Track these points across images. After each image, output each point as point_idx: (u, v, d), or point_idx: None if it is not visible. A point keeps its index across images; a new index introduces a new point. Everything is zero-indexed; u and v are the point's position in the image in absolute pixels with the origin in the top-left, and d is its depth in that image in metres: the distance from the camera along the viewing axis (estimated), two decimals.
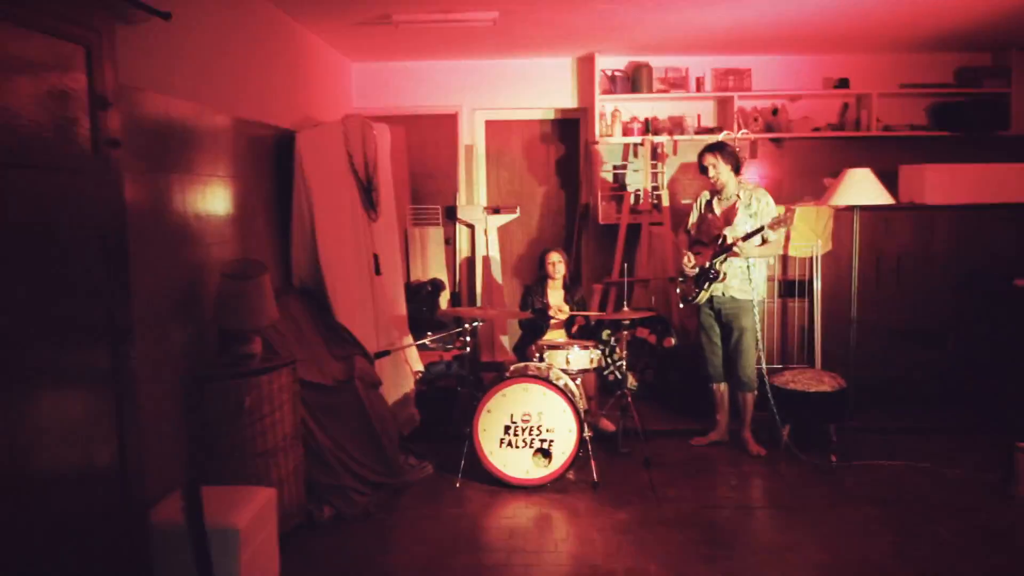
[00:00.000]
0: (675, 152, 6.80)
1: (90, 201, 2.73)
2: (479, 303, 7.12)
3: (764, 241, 4.97)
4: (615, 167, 7.06)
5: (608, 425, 5.52)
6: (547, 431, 4.64)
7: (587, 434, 4.71)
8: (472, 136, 7.34)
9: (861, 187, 5.22)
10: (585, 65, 7.08)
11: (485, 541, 4.06)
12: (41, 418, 2.43)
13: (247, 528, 3.24)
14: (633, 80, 6.94)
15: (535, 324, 5.83)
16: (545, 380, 4.65)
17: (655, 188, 6.75)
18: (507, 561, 3.80)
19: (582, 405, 4.90)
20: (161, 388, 3.45)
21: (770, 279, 6.00)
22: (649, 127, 6.93)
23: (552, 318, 5.78)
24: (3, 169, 2.30)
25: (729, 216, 5.08)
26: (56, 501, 2.50)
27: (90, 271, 2.72)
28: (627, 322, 5.53)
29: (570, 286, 5.92)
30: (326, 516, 4.20)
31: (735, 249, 4.91)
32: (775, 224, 4.79)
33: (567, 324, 5.89)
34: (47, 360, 2.48)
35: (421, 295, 6.55)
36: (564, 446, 4.64)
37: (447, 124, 7.30)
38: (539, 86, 7.17)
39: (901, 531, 4.07)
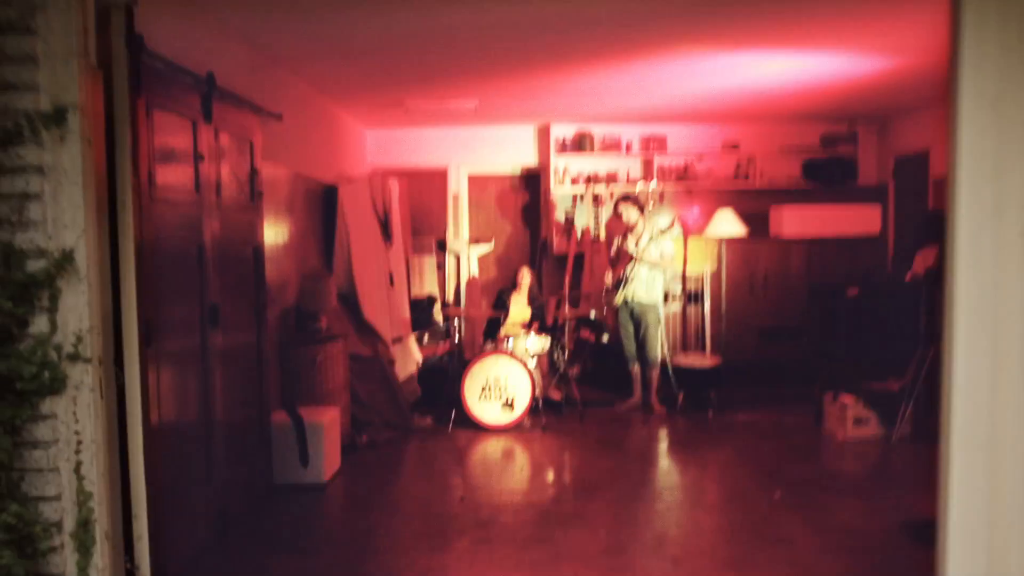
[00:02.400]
0: (611, 199, 9.03)
1: (250, 227, 4.93)
2: (465, 312, 9.29)
3: (661, 255, 7.18)
4: (566, 210, 9.30)
5: (555, 395, 7.66)
6: (511, 390, 6.80)
7: (539, 393, 6.88)
8: (458, 186, 9.58)
9: (725, 224, 7.52)
10: (543, 133, 9.37)
11: (469, 458, 6.20)
12: (230, 362, 4.61)
13: (327, 424, 5.38)
14: (579, 144, 9.23)
15: (497, 320, 8.05)
16: (510, 354, 6.83)
17: (595, 226, 9.00)
18: (485, 468, 5.95)
19: (537, 376, 7.06)
20: (270, 346, 5.59)
21: (673, 291, 8.25)
22: (591, 180, 9.20)
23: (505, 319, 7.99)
24: (225, 210, 4.51)
25: (637, 243, 7.30)
26: (232, 416, 4.67)
27: (248, 269, 4.91)
28: (574, 324, 7.74)
29: (534, 297, 8.12)
30: (363, 441, 6.33)
31: (636, 256, 7.11)
32: (660, 232, 7.02)
33: (528, 324, 8.06)
34: (235, 319, 4.66)
35: (420, 306, 8.72)
36: (523, 400, 6.79)
37: (439, 177, 9.55)
38: (508, 149, 9.46)
39: (743, 448, 6.26)
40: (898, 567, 4.00)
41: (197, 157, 4.20)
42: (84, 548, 2.48)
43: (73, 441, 2.46)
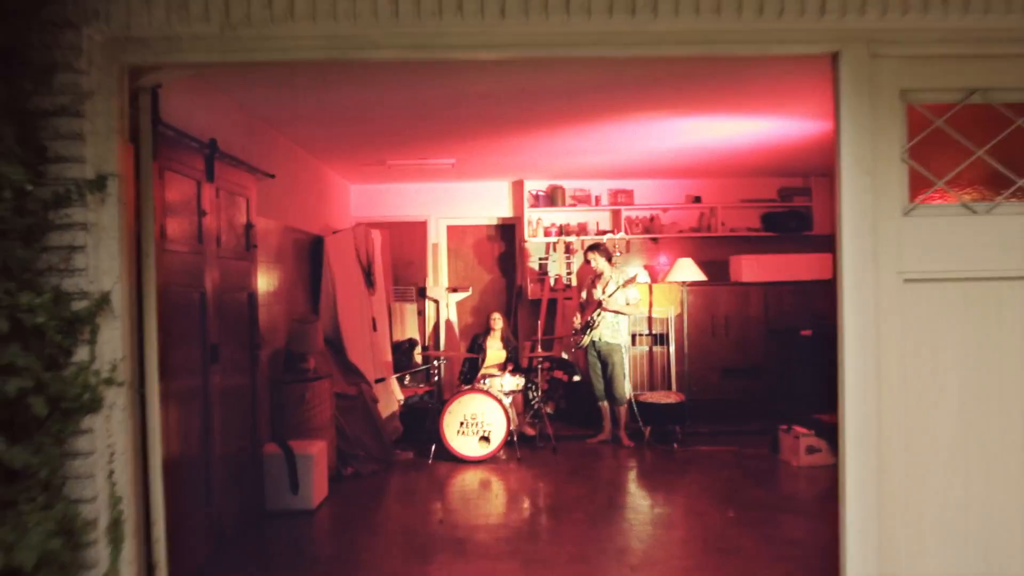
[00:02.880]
0: (582, 248, 9.60)
1: (245, 275, 5.43)
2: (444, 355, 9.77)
3: (627, 302, 7.73)
4: (539, 259, 9.85)
5: (529, 431, 8.13)
6: (487, 425, 7.27)
7: (514, 428, 7.36)
8: (437, 236, 10.13)
9: (686, 270, 8.09)
10: (517, 187, 9.96)
11: (448, 486, 6.64)
12: (227, 398, 5.09)
13: (315, 455, 5.83)
14: (552, 197, 9.82)
15: (474, 362, 8.51)
16: (486, 392, 7.31)
17: (568, 273, 9.55)
18: (463, 495, 6.40)
19: (512, 413, 7.53)
20: (262, 384, 6.05)
21: (640, 333, 8.79)
22: (563, 231, 9.78)
23: (483, 362, 8.47)
24: (223, 260, 5.01)
25: (604, 289, 7.85)
26: (228, 447, 5.13)
27: (243, 313, 5.40)
28: (547, 365, 8.24)
29: (507, 340, 8.63)
30: (349, 472, 6.76)
31: (604, 304, 7.66)
32: (626, 283, 7.58)
33: (503, 365, 8.55)
34: (231, 359, 5.14)
35: (401, 349, 9.19)
36: (498, 435, 7.26)
37: (419, 228, 10.10)
38: (485, 201, 10.04)
39: (703, 476, 6.73)
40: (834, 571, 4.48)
41: (200, 212, 4.71)
42: (116, 543, 2.93)
43: (107, 452, 2.92)
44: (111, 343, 2.93)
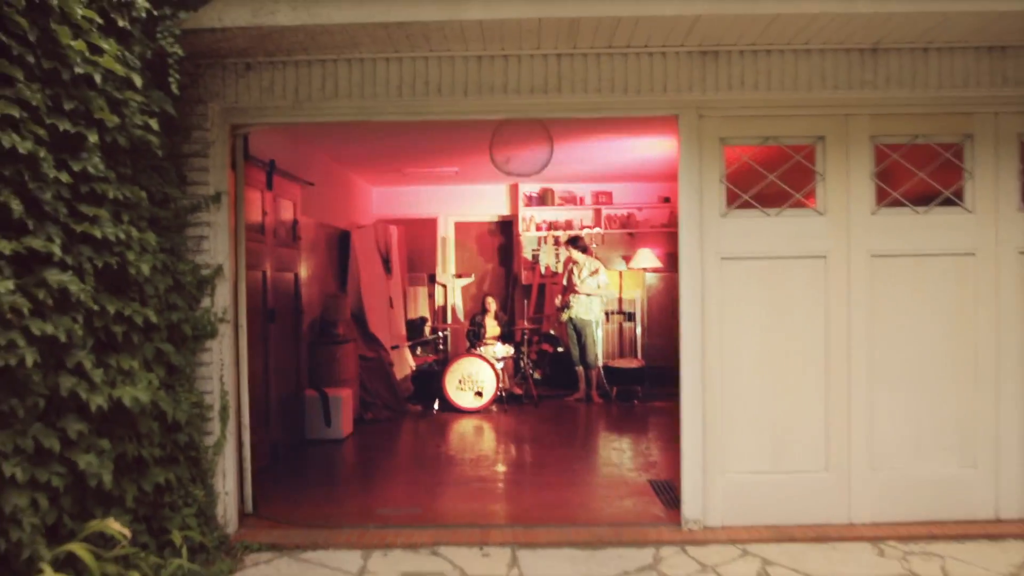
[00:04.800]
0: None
1: (292, 260, 7.25)
2: (448, 327, 11.56)
3: (598, 286, 9.48)
4: (532, 251, 11.62)
5: (517, 390, 9.90)
6: (481, 382, 9.05)
7: (503, 386, 9.14)
8: (446, 231, 11.94)
9: (645, 259, 9.84)
10: (513, 190, 11.73)
11: (449, 431, 8.44)
12: (279, 349, 6.92)
13: (344, 398, 7.64)
14: (542, 198, 11.57)
15: (478, 333, 10.31)
16: (481, 356, 9.09)
17: (555, 262, 11.31)
18: (460, 434, 8.20)
19: (502, 375, 9.31)
20: (303, 344, 7.87)
21: (612, 311, 10.55)
22: (552, 227, 11.54)
23: (484, 334, 10.25)
24: (278, 248, 6.83)
25: (579, 276, 9.60)
26: (280, 389, 6.97)
27: (291, 288, 7.22)
28: (536, 339, 10.02)
29: (499, 317, 10.41)
30: (368, 417, 8.57)
31: (577, 288, 9.42)
32: (592, 272, 9.33)
33: (498, 337, 10.32)
34: (282, 322, 6.97)
35: (414, 325, 11.00)
36: (489, 391, 9.04)
37: (430, 224, 11.91)
38: (486, 202, 11.82)
39: (653, 422, 8.48)
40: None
41: (263, 213, 6.52)
42: (224, 420, 4.73)
43: (219, 363, 4.71)
44: (222, 296, 4.74)
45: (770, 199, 4.86)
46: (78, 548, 3.28)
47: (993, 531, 4.77)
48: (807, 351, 4.87)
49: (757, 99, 4.73)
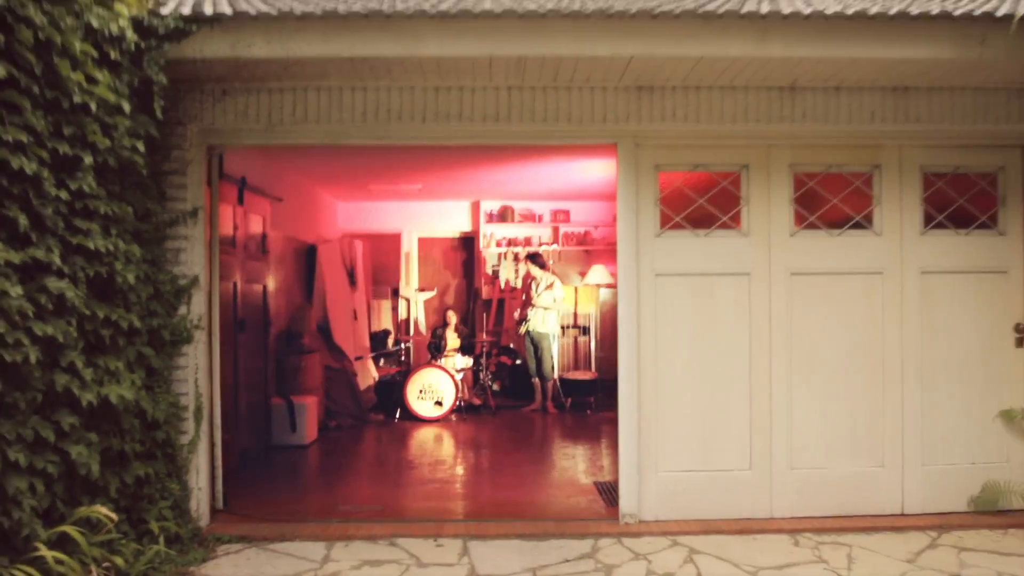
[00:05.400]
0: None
1: (261, 272, 7.63)
2: (411, 339, 11.97)
3: (554, 300, 9.95)
4: (493, 266, 12.08)
5: (476, 400, 10.32)
6: (440, 392, 9.47)
7: (462, 396, 9.56)
8: (409, 246, 12.37)
9: (599, 275, 10.35)
10: (475, 207, 12.20)
11: (410, 438, 8.84)
12: (248, 358, 7.31)
13: (308, 405, 8.01)
14: (503, 216, 12.05)
15: (439, 346, 10.74)
16: (441, 367, 9.51)
17: (515, 278, 11.78)
18: (419, 440, 8.61)
19: (461, 385, 9.73)
20: (270, 353, 8.23)
21: (568, 325, 11.04)
22: (512, 243, 12.01)
23: (445, 346, 10.68)
24: (248, 261, 7.22)
25: (536, 289, 10.06)
26: (248, 396, 7.35)
27: (259, 299, 7.60)
28: (495, 352, 10.46)
29: (460, 330, 10.84)
30: (332, 425, 8.95)
31: (534, 303, 9.89)
32: (547, 287, 9.81)
33: (458, 349, 10.74)
34: (251, 332, 7.35)
35: (378, 337, 11.39)
36: (449, 400, 9.45)
37: (394, 239, 12.34)
38: (449, 218, 12.28)
39: (603, 430, 8.95)
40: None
41: (235, 227, 6.91)
42: (198, 420, 5.10)
43: (194, 367, 5.09)
44: (198, 305, 5.13)
45: (700, 221, 5.36)
46: (71, 530, 3.65)
47: (899, 524, 5.29)
48: (732, 360, 5.37)
49: (688, 130, 5.24)
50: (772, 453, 5.37)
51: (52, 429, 3.57)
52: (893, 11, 4.39)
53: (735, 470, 5.38)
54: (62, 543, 3.69)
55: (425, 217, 12.31)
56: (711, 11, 4.37)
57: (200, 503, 5.16)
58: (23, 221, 3.35)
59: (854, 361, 5.39)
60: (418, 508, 5.87)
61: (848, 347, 5.39)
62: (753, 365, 5.36)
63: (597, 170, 9.11)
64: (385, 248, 12.35)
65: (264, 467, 7.16)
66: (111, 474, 4.19)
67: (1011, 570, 4.53)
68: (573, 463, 7.31)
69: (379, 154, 8.16)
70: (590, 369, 11.04)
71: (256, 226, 7.55)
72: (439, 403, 9.48)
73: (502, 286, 11.89)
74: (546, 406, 10.11)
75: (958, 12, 4.41)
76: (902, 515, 5.41)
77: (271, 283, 8.15)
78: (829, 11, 4.40)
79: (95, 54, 3.92)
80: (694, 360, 5.38)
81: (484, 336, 10.96)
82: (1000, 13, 4.39)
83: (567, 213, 12.14)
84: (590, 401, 10.05)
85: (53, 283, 3.51)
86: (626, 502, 5.34)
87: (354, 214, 12.21)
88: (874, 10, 4.40)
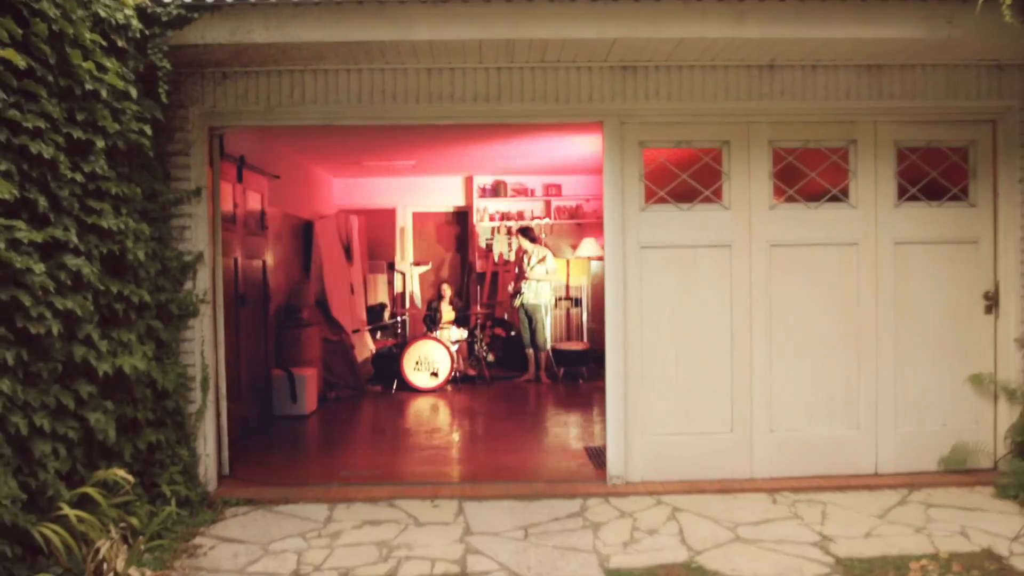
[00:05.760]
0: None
1: (260, 248, 7.85)
2: (407, 311, 12.21)
3: (547, 272, 10.19)
4: (486, 240, 12.30)
5: (471, 371, 10.59)
6: (436, 363, 9.72)
7: (457, 367, 9.82)
8: (404, 221, 12.57)
9: (589, 247, 10.58)
10: (468, 181, 12.40)
11: (407, 408, 9.11)
12: (249, 331, 7.54)
13: (308, 377, 8.26)
14: (496, 190, 12.25)
15: (434, 318, 10.99)
16: (436, 339, 9.76)
17: (508, 251, 12.01)
18: (416, 410, 8.88)
19: (456, 356, 9.98)
20: (270, 327, 8.47)
21: (561, 297, 11.29)
22: (505, 217, 12.22)
23: (440, 319, 10.93)
24: (248, 237, 7.44)
25: (529, 263, 10.30)
26: (250, 369, 7.59)
27: (259, 275, 7.82)
28: (490, 324, 10.70)
29: (454, 303, 11.08)
30: (331, 396, 9.21)
31: (527, 275, 10.13)
32: (540, 260, 10.04)
33: (453, 321, 10.99)
34: (252, 306, 7.58)
35: (374, 310, 11.63)
36: (444, 371, 9.72)
37: (389, 214, 12.54)
38: (443, 193, 12.48)
39: (594, 398, 9.22)
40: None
41: (234, 205, 7.12)
42: (205, 389, 5.35)
43: (200, 339, 5.33)
44: (203, 280, 5.36)
45: (684, 195, 5.59)
46: (92, 491, 3.91)
47: (872, 483, 5.57)
48: (715, 328, 5.62)
49: (671, 108, 5.45)
50: (753, 416, 5.63)
51: (72, 397, 3.82)
52: None
53: (717, 433, 5.65)
54: (83, 504, 3.94)
55: (419, 192, 12.51)
56: None
57: (208, 468, 5.42)
58: (43, 203, 3.57)
59: (831, 328, 5.65)
60: (415, 472, 6.15)
61: (825, 315, 5.65)
62: (735, 332, 5.62)
63: (586, 145, 9.31)
64: (380, 223, 12.55)
65: (267, 436, 7.42)
66: (125, 440, 4.44)
67: (974, 523, 4.81)
68: (565, 430, 7.58)
69: (374, 132, 8.34)
70: (582, 340, 11.31)
71: (255, 203, 7.76)
72: (435, 374, 9.74)
73: (496, 259, 12.11)
74: (539, 376, 10.38)
75: None
76: (876, 475, 5.69)
77: (270, 259, 8.36)
78: None
79: (103, 43, 4.13)
80: (678, 327, 5.63)
81: (478, 308, 11.20)
82: None
83: (559, 187, 12.34)
84: (582, 371, 10.32)
85: (71, 260, 3.73)
86: (613, 464, 5.61)
87: (350, 190, 12.40)
88: None
